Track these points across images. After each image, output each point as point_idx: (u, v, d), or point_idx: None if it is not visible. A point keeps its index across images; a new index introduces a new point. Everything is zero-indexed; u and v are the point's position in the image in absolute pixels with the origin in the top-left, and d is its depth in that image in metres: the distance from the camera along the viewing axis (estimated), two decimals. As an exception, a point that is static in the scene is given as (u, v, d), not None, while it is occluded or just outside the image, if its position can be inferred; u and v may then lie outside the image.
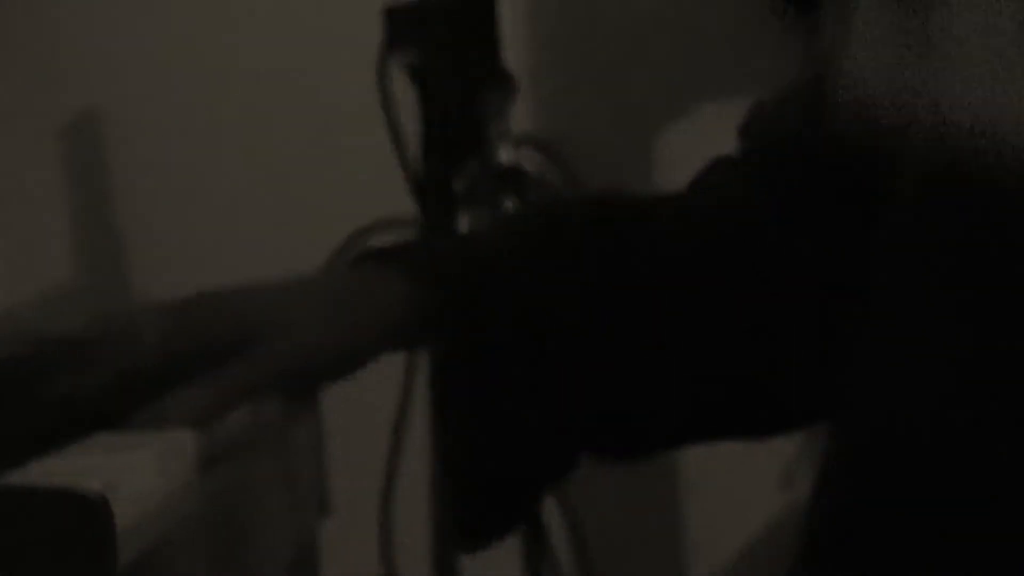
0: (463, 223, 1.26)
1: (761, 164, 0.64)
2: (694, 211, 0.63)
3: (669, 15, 1.68)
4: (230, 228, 1.58)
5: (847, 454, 0.52)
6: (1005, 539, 0.47)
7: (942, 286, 0.50)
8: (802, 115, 0.61)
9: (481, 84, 1.24)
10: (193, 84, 1.55)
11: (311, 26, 1.55)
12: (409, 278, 0.54)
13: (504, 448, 0.56)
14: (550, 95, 1.59)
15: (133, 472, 0.36)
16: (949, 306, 0.49)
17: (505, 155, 1.29)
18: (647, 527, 1.73)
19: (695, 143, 1.49)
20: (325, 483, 0.68)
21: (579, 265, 0.58)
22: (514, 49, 1.41)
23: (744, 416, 0.63)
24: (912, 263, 0.51)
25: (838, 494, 0.52)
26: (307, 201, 1.53)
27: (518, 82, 1.30)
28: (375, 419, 1.27)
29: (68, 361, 0.50)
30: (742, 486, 1.70)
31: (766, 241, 0.61)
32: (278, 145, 1.57)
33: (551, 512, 1.33)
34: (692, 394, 0.60)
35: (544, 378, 0.56)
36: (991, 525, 0.47)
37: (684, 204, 0.64)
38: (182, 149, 1.57)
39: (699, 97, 1.54)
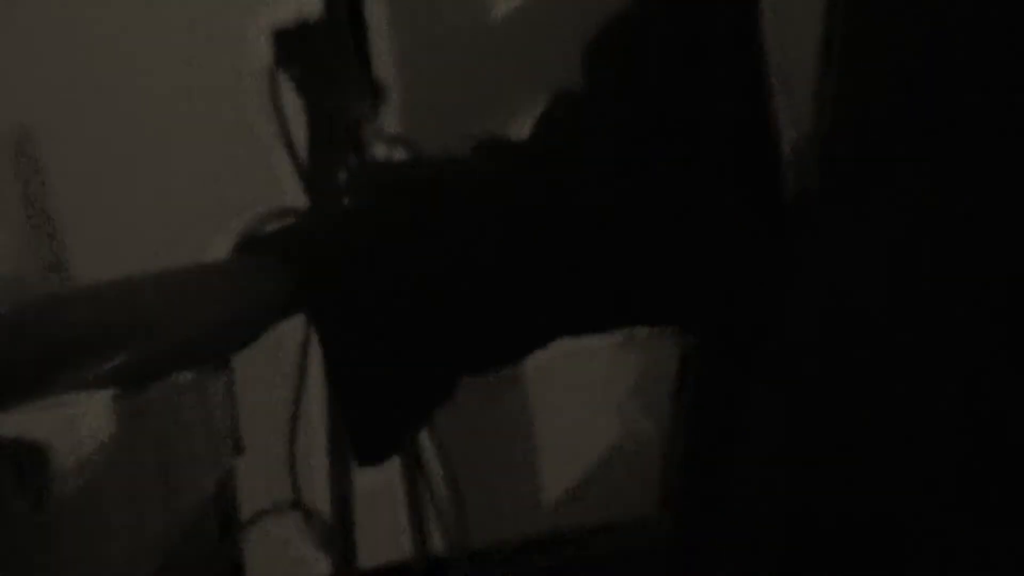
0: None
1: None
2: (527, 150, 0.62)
3: (523, 19, 1.78)
4: (144, 218, 1.61)
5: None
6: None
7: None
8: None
9: (355, 92, 1.36)
10: (100, 97, 1.53)
11: (208, 45, 1.60)
12: (280, 258, 0.56)
13: (388, 387, 0.58)
14: (415, 100, 1.72)
15: (70, 426, 0.39)
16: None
17: (379, 152, 1.42)
18: (505, 445, 1.87)
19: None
20: (237, 426, 0.71)
21: (416, 221, 0.58)
22: (382, 62, 1.55)
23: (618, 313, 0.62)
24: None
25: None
26: (213, 196, 1.58)
27: (387, 90, 1.44)
28: (279, 370, 1.38)
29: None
30: (588, 409, 1.83)
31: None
32: (186, 154, 1.63)
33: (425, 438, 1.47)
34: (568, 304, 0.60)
35: (413, 326, 0.57)
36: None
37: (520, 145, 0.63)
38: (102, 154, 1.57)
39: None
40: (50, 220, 1.49)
